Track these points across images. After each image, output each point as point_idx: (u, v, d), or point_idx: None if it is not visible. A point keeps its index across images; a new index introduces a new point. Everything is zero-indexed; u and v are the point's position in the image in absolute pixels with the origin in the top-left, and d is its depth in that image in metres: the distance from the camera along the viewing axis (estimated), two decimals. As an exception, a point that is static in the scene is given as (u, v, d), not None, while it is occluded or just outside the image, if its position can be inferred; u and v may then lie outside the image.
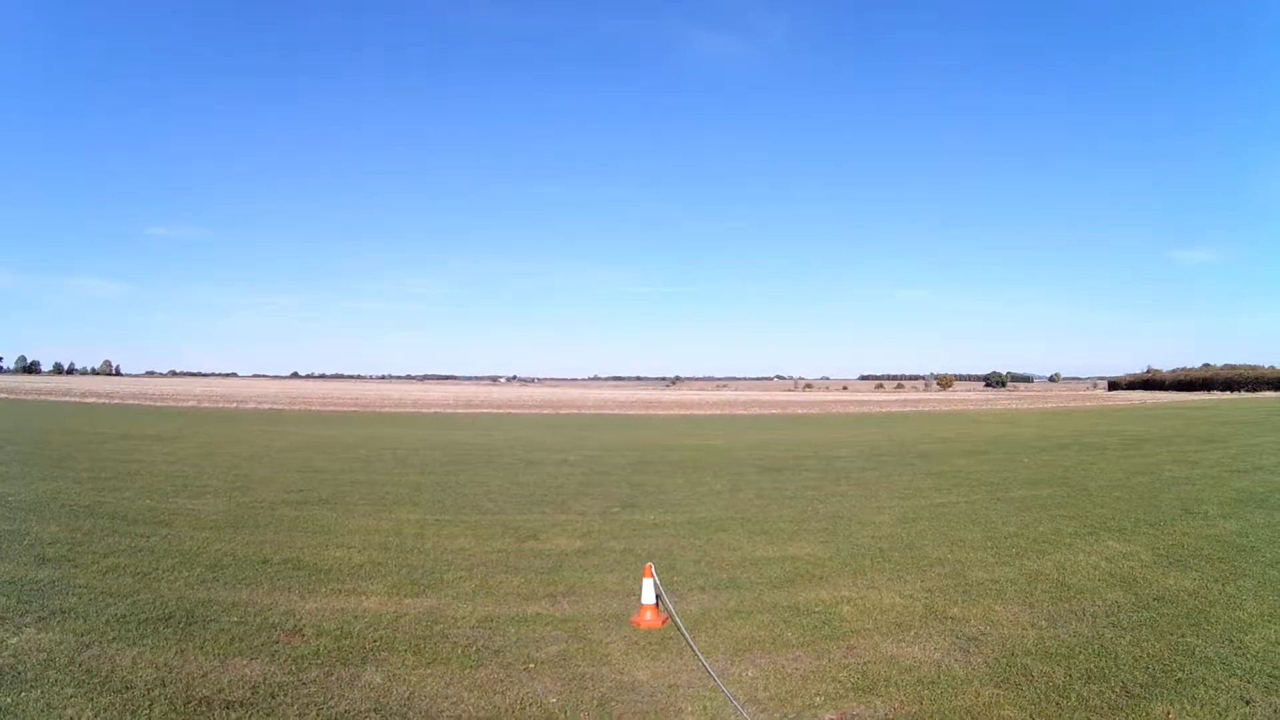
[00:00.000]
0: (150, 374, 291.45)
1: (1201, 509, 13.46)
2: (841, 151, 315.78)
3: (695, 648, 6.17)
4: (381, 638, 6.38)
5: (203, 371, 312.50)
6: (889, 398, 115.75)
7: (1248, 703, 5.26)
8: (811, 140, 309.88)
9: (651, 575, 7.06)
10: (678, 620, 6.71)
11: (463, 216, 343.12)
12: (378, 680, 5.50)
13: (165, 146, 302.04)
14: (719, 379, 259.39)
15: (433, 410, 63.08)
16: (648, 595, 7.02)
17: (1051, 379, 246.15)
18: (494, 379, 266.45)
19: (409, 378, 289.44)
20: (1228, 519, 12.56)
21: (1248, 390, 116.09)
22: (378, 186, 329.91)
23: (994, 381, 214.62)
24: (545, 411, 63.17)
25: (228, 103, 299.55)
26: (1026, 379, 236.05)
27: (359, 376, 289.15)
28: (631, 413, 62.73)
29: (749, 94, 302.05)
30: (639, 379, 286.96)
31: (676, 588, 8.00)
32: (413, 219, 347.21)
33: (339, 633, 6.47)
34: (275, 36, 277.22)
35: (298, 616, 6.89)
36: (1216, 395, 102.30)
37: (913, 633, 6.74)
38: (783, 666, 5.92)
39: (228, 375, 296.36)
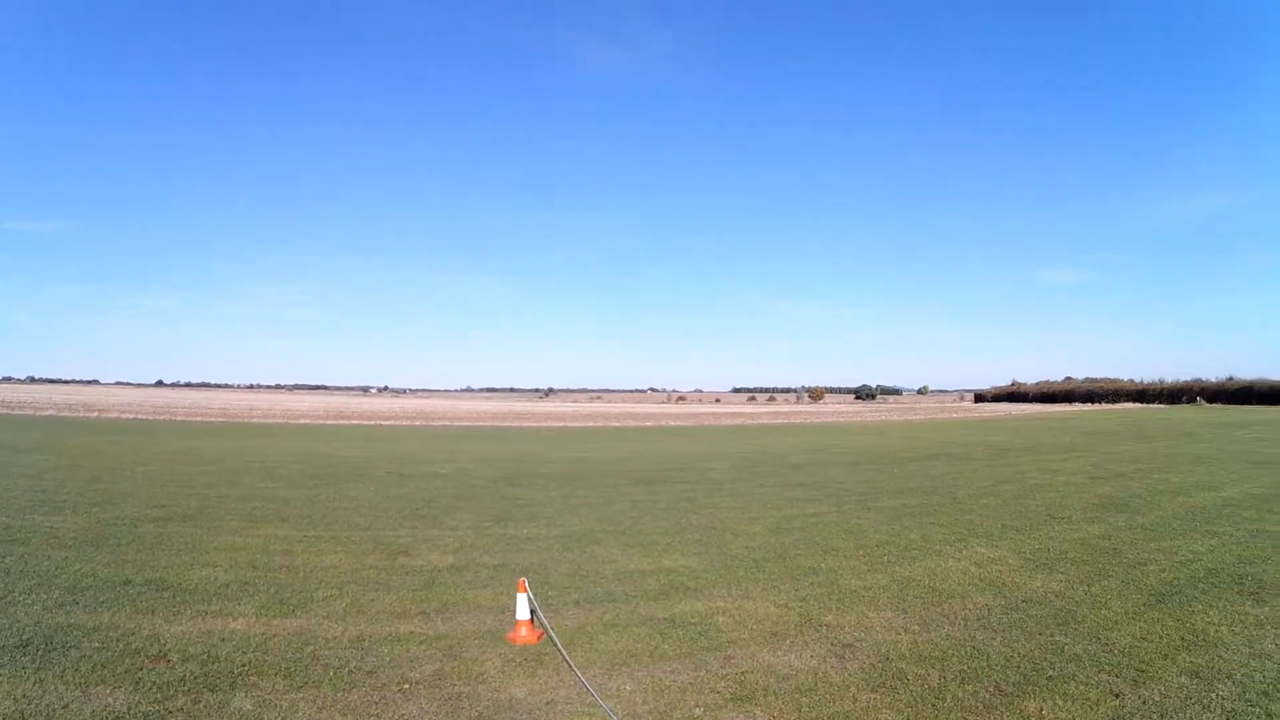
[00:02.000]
0: (8, 380, 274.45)
1: (1065, 514, 14.24)
2: (719, 164, 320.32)
3: (572, 663, 6.23)
4: (250, 661, 6.22)
5: (63, 378, 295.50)
6: (761, 410, 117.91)
7: (1117, 696, 5.67)
8: (689, 152, 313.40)
9: (526, 590, 7.08)
10: (553, 636, 6.77)
11: (335, 222, 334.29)
12: (247, 706, 5.37)
13: (26, 136, 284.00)
14: (593, 391, 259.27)
15: (302, 421, 61.24)
16: (522, 611, 7.04)
17: (920, 391, 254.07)
18: (365, 389, 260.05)
19: (278, 387, 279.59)
20: (1091, 523, 13.32)
21: (1108, 402, 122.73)
22: (249, 188, 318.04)
23: (864, 394, 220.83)
24: (417, 423, 62.07)
25: (101, 90, 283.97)
26: (895, 392, 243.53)
27: (226, 385, 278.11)
28: (504, 424, 62.20)
29: (631, 104, 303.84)
30: (512, 390, 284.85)
31: (551, 602, 8.03)
32: (284, 223, 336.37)
33: (206, 657, 6.28)
34: (159, 24, 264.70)
35: (163, 641, 6.65)
36: (1078, 407, 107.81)
37: (789, 641, 6.95)
38: (661, 679, 6.04)
39: (89, 383, 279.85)
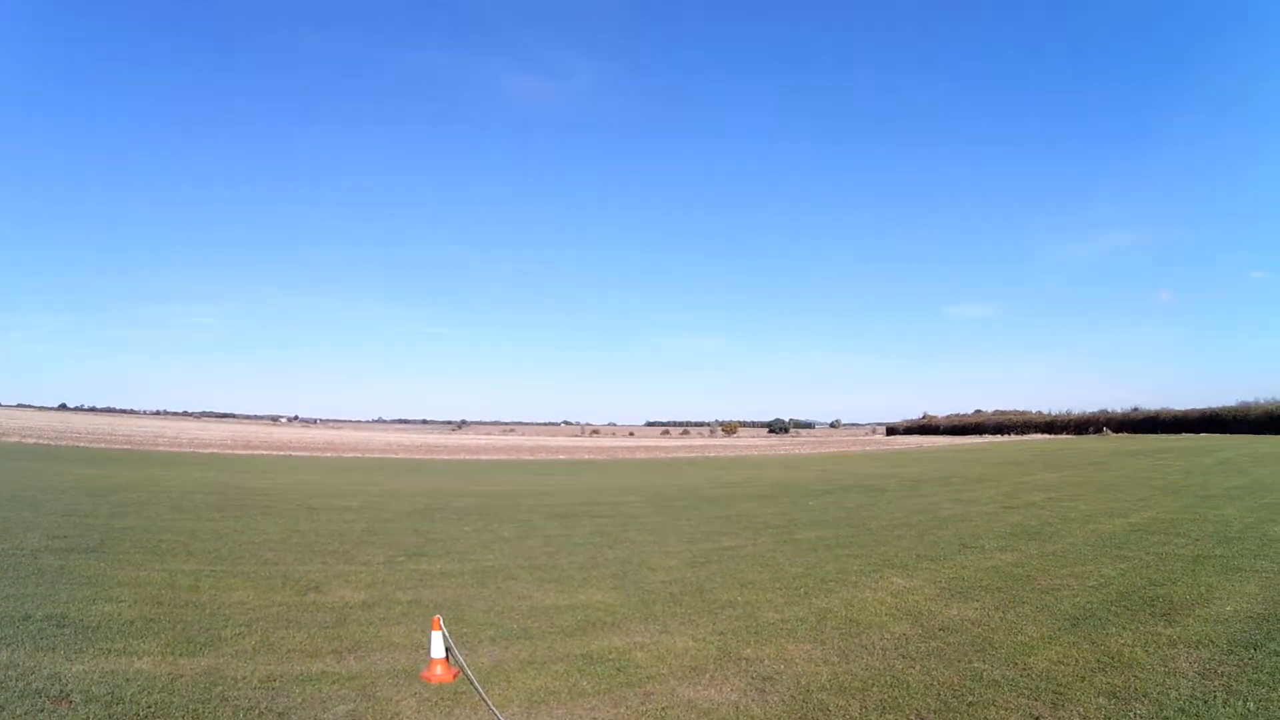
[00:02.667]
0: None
1: (979, 543, 14.53)
2: (636, 196, 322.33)
3: (489, 702, 6.21)
4: (156, 703, 6.06)
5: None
6: (675, 444, 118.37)
7: (1037, 719, 5.86)
8: (608, 185, 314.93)
9: (440, 628, 7.04)
10: (470, 674, 6.74)
11: (246, 247, 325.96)
12: (154, 749, 5.28)
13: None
14: (506, 423, 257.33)
15: (210, 450, 59.43)
16: (437, 649, 6.99)
17: (833, 425, 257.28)
18: (275, 419, 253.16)
19: (185, 414, 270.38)
20: (1004, 551, 13.61)
21: (1017, 433, 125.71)
22: (156, 208, 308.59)
23: (777, 428, 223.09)
24: (328, 455, 60.85)
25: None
26: (809, 425, 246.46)
27: (132, 411, 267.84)
28: (417, 457, 61.37)
29: (552, 135, 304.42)
30: (425, 422, 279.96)
31: (467, 640, 7.99)
32: (194, 246, 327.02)
33: (109, 698, 6.10)
34: (92, 34, 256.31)
35: (64, 680, 6.44)
36: (988, 439, 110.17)
37: (708, 675, 7.00)
38: (580, 716, 6.06)
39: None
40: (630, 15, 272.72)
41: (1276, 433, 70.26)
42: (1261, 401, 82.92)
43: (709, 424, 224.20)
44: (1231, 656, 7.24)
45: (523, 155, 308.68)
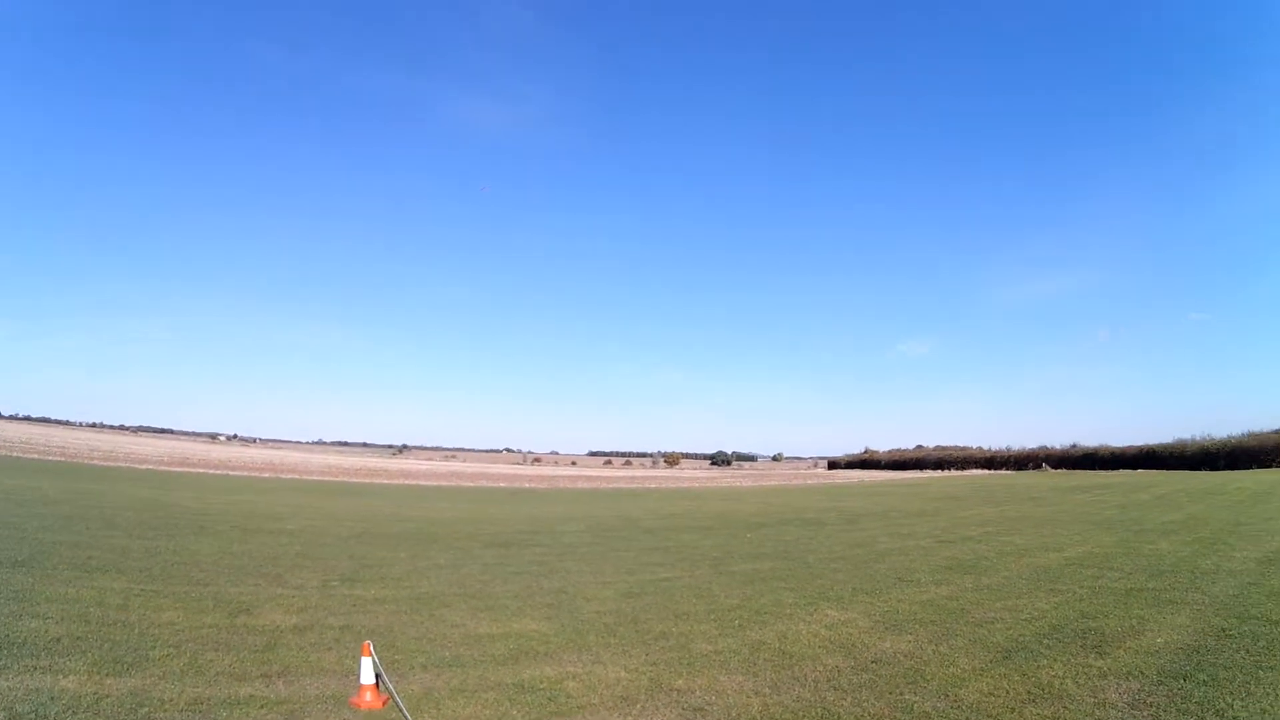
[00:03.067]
0: None
1: (914, 577, 14.62)
2: (584, 225, 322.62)
3: (414, 728, 6.27)
4: (82, 722, 6.08)
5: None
6: (617, 474, 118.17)
7: None
8: (555, 213, 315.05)
9: (370, 654, 7.06)
10: (399, 701, 6.78)
11: (193, 259, 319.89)
12: (78, 768, 5.29)
13: None
14: (448, 449, 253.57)
15: (146, 466, 58.18)
16: (367, 675, 7.02)
17: (775, 458, 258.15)
18: (213, 436, 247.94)
19: (122, 428, 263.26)
20: (939, 585, 13.71)
21: (958, 468, 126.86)
22: (103, 215, 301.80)
23: (720, 460, 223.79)
24: (265, 475, 59.99)
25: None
26: (751, 458, 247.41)
27: (67, 422, 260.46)
28: (356, 480, 60.66)
29: (504, 161, 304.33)
30: (365, 445, 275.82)
31: (398, 667, 8.02)
32: (139, 255, 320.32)
33: (34, 716, 6.09)
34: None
35: (-14, 698, 6.43)
36: (929, 474, 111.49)
37: (639, 706, 7.07)
38: (507, 745, 6.10)
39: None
40: (585, 48, 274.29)
41: (1212, 469, 71.77)
42: (1198, 439, 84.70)
43: (652, 455, 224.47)
44: (1161, 687, 7.41)
45: (473, 180, 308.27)
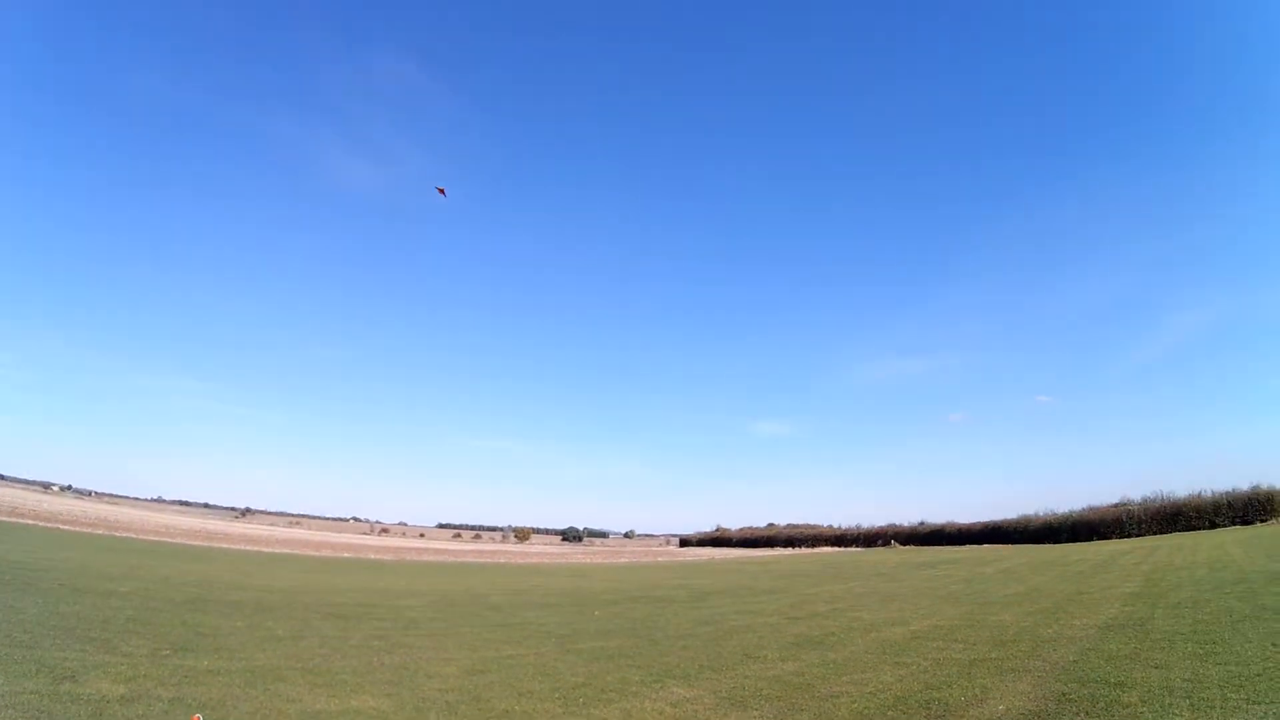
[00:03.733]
0: None
1: (761, 653, 14.76)
2: (442, 294, 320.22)
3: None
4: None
5: None
6: (466, 548, 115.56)
7: None
8: (412, 280, 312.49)
9: (203, 729, 7.03)
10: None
11: (44, 305, 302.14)
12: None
13: None
14: (292, 515, 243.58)
15: (-37, 516, 54.41)
16: (197, 749, 6.99)
17: (627, 535, 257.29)
18: (46, 486, 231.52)
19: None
20: (786, 661, 13.85)
21: (808, 546, 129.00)
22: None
23: (571, 536, 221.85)
24: (99, 532, 56.47)
25: None
26: (603, 534, 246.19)
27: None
28: (195, 543, 57.84)
29: (371, 221, 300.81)
30: (207, 506, 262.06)
31: (229, 742, 7.93)
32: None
33: None
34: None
35: None
36: (779, 551, 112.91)
37: None
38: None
39: None
40: (460, 107, 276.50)
41: (1055, 542, 75.97)
42: (1041, 514, 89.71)
43: (502, 529, 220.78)
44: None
45: (338, 238, 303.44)
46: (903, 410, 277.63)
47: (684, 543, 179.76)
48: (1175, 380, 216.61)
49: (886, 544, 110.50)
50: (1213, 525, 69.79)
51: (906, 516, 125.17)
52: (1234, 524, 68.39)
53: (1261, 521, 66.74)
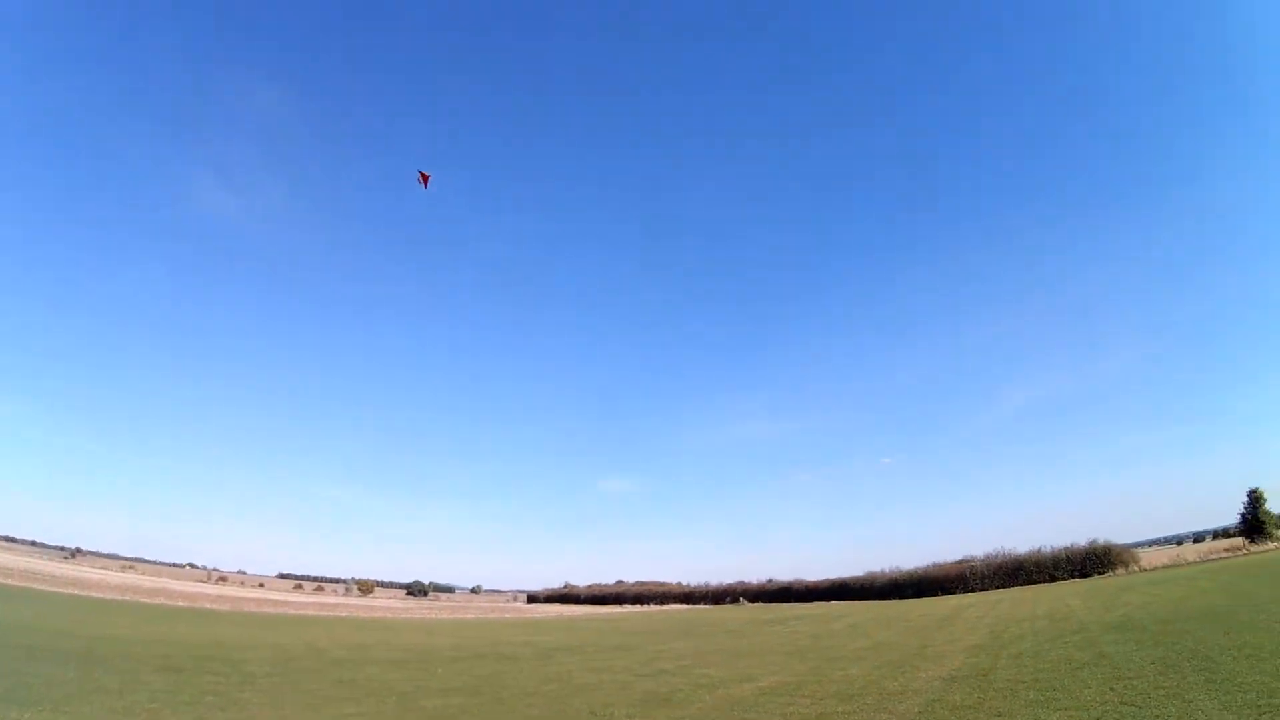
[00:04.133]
0: None
1: (609, 711, 14.84)
2: (290, 330, 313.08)
3: None
4: None
5: None
6: (307, 599, 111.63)
7: None
8: (260, 312, 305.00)
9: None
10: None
11: None
12: None
13: None
14: (125, 558, 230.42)
15: None
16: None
17: (474, 590, 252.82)
18: None
19: None
20: (633, 719, 14.07)
21: (657, 603, 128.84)
22: None
23: (416, 590, 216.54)
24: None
25: None
26: (449, 589, 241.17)
27: None
28: (19, 584, 54.62)
29: (225, 251, 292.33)
30: (35, 544, 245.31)
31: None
32: None
33: None
34: None
35: None
36: (628, 608, 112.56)
37: None
38: None
39: None
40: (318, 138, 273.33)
41: (900, 598, 78.63)
42: (886, 571, 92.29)
43: (345, 581, 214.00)
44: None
45: (186, 260, 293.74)
46: (752, 469, 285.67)
47: (532, 599, 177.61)
48: (1016, 443, 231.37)
49: (735, 601, 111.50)
50: (1053, 579, 73.60)
51: (755, 574, 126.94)
52: (1073, 577, 72.29)
53: (1099, 574, 70.99)
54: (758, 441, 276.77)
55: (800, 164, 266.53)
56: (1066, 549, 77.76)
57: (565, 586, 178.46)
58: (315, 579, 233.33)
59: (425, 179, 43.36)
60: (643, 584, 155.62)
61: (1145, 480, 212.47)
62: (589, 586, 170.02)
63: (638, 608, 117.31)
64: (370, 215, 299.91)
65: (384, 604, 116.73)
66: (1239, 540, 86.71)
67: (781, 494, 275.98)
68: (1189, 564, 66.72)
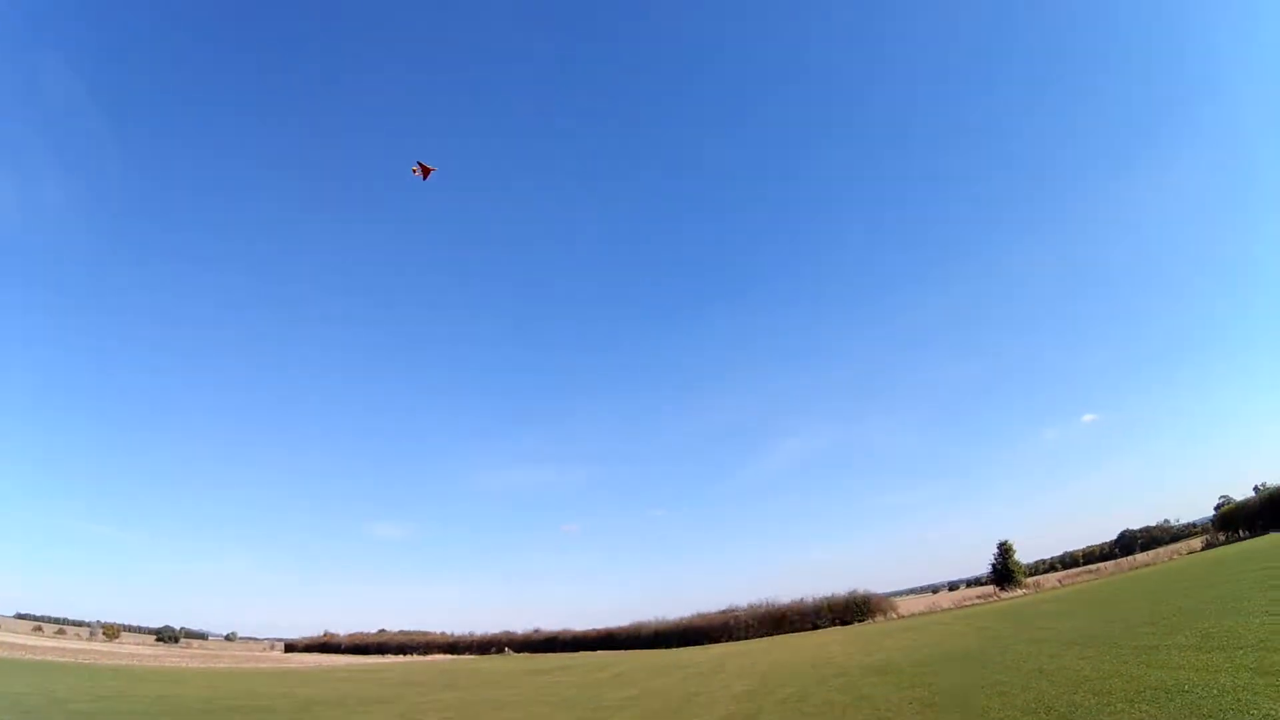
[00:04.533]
0: None
1: None
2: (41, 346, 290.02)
3: None
4: None
5: None
6: (46, 644, 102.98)
7: None
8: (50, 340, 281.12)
9: None
10: None
11: None
12: None
13: None
14: None
15: None
16: None
17: (228, 637, 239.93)
18: None
19: None
20: None
21: (420, 653, 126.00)
22: None
23: (167, 636, 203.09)
24: None
25: None
26: (202, 635, 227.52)
27: None
28: None
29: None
30: None
31: None
32: None
33: None
34: None
35: None
36: (391, 658, 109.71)
37: None
38: None
39: None
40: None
41: (667, 647, 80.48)
42: (653, 621, 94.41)
43: (89, 624, 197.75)
44: None
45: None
46: (521, 518, 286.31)
47: (290, 648, 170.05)
48: (781, 497, 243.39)
49: (501, 651, 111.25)
50: (815, 626, 78.33)
51: (521, 624, 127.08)
52: (835, 624, 77.36)
53: (859, 621, 76.32)
54: (531, 489, 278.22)
55: (600, 216, 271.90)
56: (828, 598, 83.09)
57: (325, 635, 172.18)
58: (57, 620, 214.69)
59: (426, 171, 40.56)
60: (406, 633, 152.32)
61: (903, 532, 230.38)
62: (351, 635, 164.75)
63: (401, 658, 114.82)
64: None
65: (131, 649, 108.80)
66: (990, 588, 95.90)
67: (549, 544, 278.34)
68: (944, 610, 72.73)
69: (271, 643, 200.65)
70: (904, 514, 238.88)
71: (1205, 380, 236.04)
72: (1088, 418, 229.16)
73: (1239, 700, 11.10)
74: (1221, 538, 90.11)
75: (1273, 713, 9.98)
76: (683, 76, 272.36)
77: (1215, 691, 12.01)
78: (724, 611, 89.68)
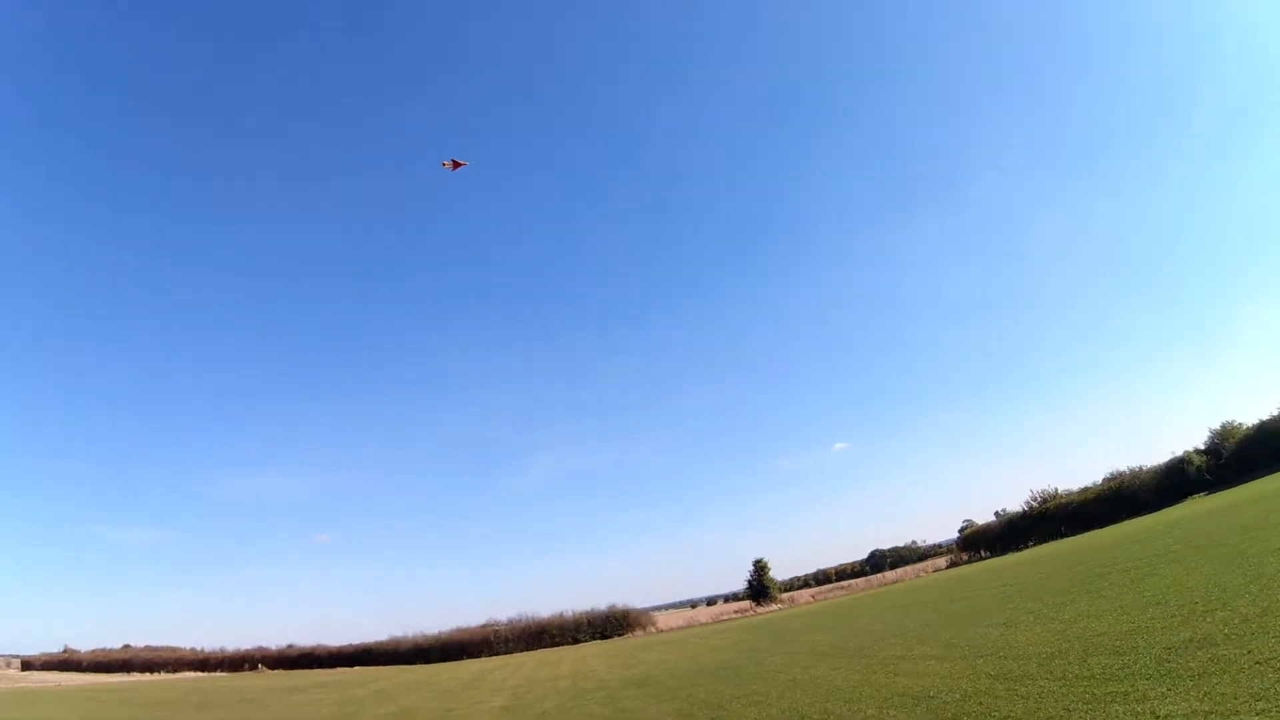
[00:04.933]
0: None
1: None
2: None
3: None
4: None
5: None
6: None
7: None
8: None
9: None
10: None
11: None
12: None
13: None
14: None
15: None
16: None
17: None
18: None
19: None
20: None
21: (169, 671, 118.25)
22: None
23: None
24: None
25: None
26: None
27: None
28: None
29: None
30: None
31: None
32: None
33: None
34: None
35: None
36: (137, 677, 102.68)
37: None
38: None
39: None
40: None
41: (426, 663, 79.31)
42: (411, 636, 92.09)
43: None
44: None
45: None
46: (272, 527, 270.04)
47: (27, 665, 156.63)
48: (541, 511, 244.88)
49: (254, 668, 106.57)
50: (576, 640, 79.21)
51: (274, 639, 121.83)
52: (595, 639, 78.46)
53: (618, 636, 77.83)
54: (280, 496, 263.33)
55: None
56: (588, 613, 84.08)
57: (65, 651, 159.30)
58: None
59: (456, 165, 39.66)
60: (153, 649, 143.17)
61: (660, 549, 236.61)
62: (93, 652, 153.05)
63: (148, 676, 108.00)
64: None
65: None
66: (747, 603, 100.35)
67: (302, 555, 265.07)
68: (702, 625, 75.54)
69: (7, 659, 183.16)
70: (658, 530, 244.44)
71: (952, 416, 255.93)
72: (839, 445, 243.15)
73: (981, 704, 11.95)
74: (965, 557, 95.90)
75: (1011, 714, 10.82)
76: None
77: (959, 696, 12.88)
78: (484, 625, 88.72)
